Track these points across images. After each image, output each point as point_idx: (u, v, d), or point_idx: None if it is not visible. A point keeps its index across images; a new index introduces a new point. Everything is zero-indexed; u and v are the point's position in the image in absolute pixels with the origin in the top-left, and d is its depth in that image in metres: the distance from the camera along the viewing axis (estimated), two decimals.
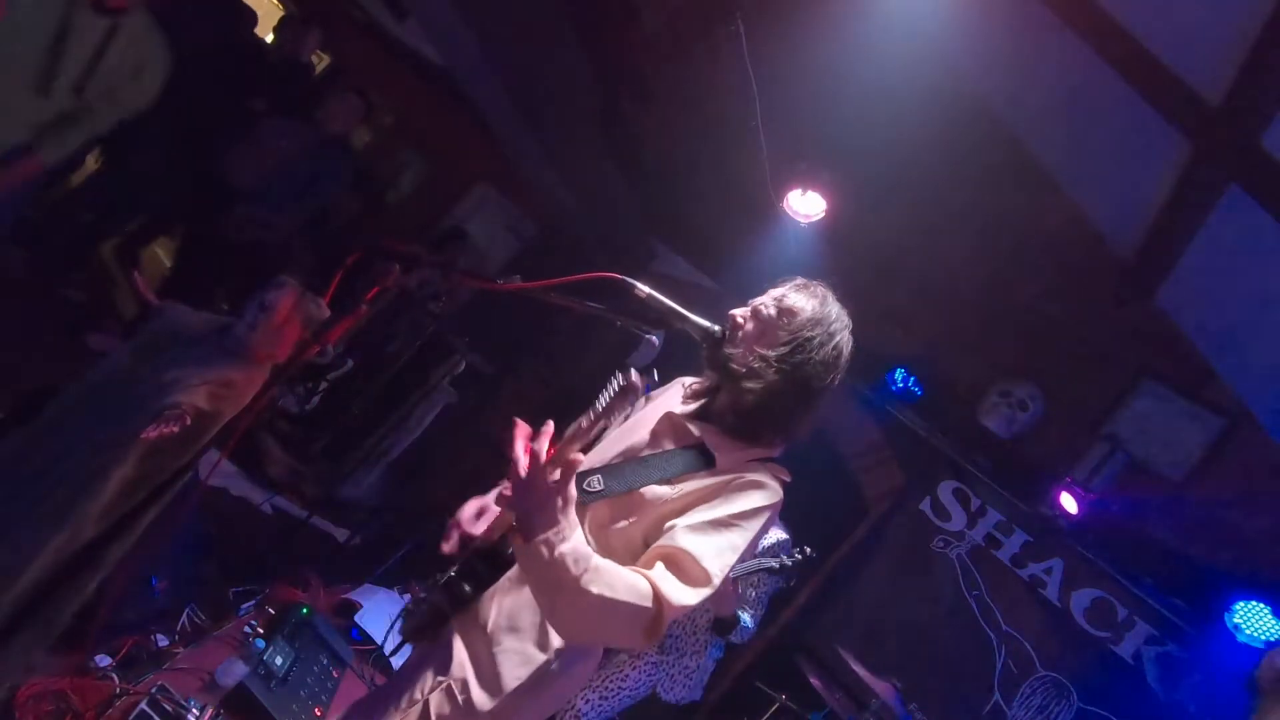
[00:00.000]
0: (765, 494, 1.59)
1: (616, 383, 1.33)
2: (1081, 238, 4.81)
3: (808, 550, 3.24)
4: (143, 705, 2.38)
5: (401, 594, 4.20)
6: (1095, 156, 4.52)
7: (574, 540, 1.36)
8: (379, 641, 3.65)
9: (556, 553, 1.34)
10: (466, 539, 1.75)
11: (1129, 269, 4.65)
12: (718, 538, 1.52)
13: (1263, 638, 3.74)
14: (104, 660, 2.64)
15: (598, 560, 1.39)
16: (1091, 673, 4.30)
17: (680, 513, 1.56)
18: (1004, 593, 4.64)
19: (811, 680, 3.75)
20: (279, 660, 2.86)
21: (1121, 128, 4.09)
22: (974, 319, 5.15)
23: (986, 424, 4.79)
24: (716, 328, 1.70)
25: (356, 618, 3.76)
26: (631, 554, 1.57)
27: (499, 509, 1.75)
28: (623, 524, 1.60)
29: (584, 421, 1.35)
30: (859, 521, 5.23)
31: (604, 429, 1.39)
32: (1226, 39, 3.25)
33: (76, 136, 2.87)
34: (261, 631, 3.04)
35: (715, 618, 3.27)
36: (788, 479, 1.68)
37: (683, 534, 1.51)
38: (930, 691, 4.42)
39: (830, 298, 1.73)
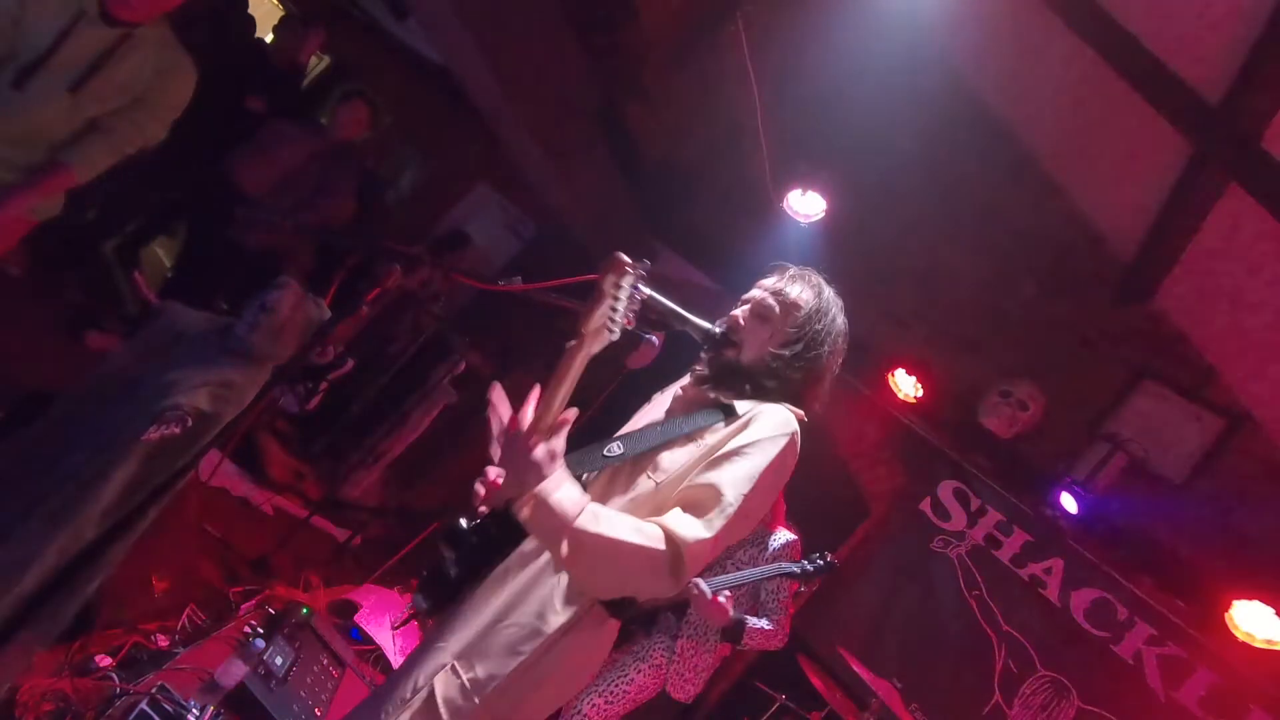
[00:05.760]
0: (779, 421, 1.61)
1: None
2: (1081, 237, 4.82)
3: (828, 557, 3.23)
4: (143, 705, 2.37)
5: (402, 594, 4.20)
6: (1095, 156, 4.52)
7: (565, 490, 1.41)
8: (379, 641, 3.66)
9: (551, 500, 1.39)
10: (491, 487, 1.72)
11: (1129, 269, 4.65)
12: (731, 467, 1.54)
13: (1261, 638, 3.73)
14: (104, 660, 2.65)
15: (596, 506, 1.44)
16: (1091, 673, 4.30)
17: (701, 462, 1.58)
18: (1004, 593, 4.64)
19: (811, 680, 3.75)
20: (279, 660, 2.85)
21: (1121, 128, 4.09)
22: (974, 319, 5.15)
23: (986, 424, 4.79)
24: (717, 329, 1.73)
25: (356, 618, 3.76)
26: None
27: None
28: (653, 487, 1.60)
29: (540, 389, 1.42)
30: (859, 521, 5.24)
31: (562, 390, 1.41)
32: (1226, 39, 3.26)
33: (103, 150, 2.66)
34: (261, 631, 3.03)
35: (720, 629, 3.26)
36: (804, 418, 1.70)
37: (698, 474, 1.55)
38: (930, 691, 4.42)
39: (823, 283, 1.80)
